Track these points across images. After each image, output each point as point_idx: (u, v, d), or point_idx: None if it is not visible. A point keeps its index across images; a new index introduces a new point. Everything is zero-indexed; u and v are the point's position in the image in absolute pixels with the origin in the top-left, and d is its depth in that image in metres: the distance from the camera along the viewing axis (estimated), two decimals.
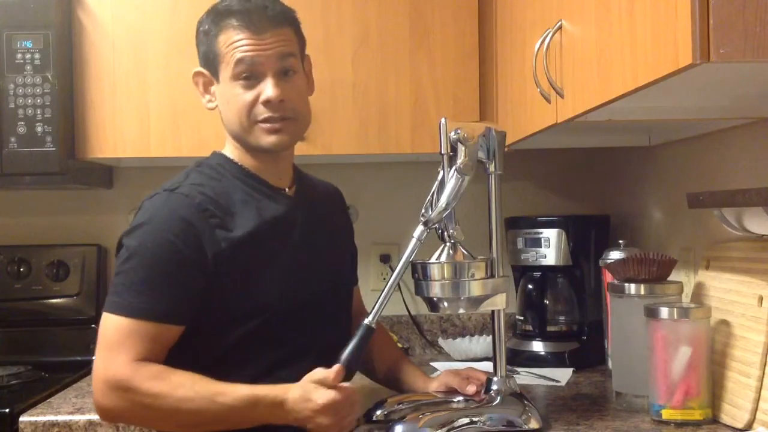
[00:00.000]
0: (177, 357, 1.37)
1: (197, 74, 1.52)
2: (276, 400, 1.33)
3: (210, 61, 1.48)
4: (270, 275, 1.43)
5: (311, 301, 1.48)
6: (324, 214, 1.61)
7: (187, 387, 1.32)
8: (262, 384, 1.35)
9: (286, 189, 1.54)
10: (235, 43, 1.43)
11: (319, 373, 1.34)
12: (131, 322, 1.34)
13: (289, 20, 1.50)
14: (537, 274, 2.15)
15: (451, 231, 1.48)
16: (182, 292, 1.37)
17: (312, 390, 1.33)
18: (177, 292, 1.36)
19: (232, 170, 1.50)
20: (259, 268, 1.43)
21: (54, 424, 1.68)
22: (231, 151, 1.52)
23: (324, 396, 1.32)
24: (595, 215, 2.26)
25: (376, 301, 1.44)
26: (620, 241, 1.94)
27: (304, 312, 1.46)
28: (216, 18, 1.47)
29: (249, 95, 1.44)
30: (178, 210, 1.39)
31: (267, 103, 1.44)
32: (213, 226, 1.40)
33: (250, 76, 1.44)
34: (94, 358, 1.39)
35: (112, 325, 1.35)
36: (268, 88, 1.44)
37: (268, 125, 1.45)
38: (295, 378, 1.37)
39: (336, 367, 1.34)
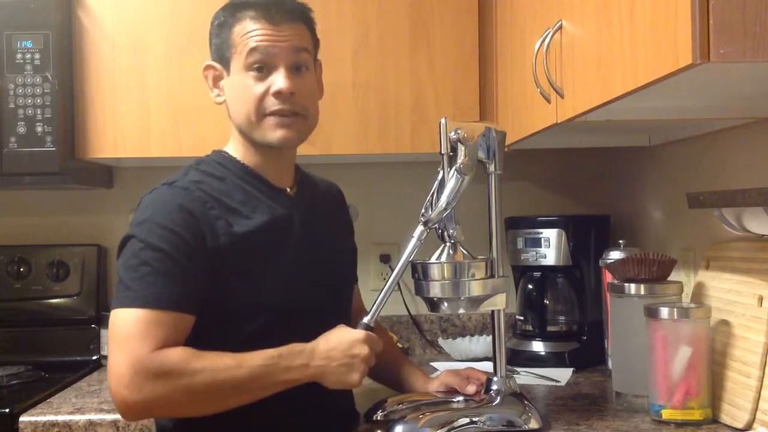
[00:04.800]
0: None
1: (207, 67, 1.52)
2: (296, 348, 1.36)
3: (222, 52, 1.48)
4: (269, 275, 1.43)
5: (312, 301, 1.48)
6: (325, 214, 1.61)
7: (220, 360, 1.32)
8: None
9: (288, 189, 1.54)
10: (251, 32, 1.43)
11: (355, 332, 1.40)
12: (147, 312, 1.31)
13: (306, 18, 1.50)
14: (537, 274, 2.15)
15: (451, 231, 1.48)
16: (191, 280, 1.36)
17: (354, 342, 1.38)
18: (187, 280, 1.35)
19: (234, 169, 1.49)
20: (259, 268, 1.42)
21: (54, 424, 1.68)
22: (234, 148, 1.52)
23: (365, 348, 1.38)
24: (595, 215, 2.26)
25: (375, 301, 1.45)
26: (620, 241, 1.95)
27: (304, 311, 1.46)
28: (233, 10, 1.47)
29: (260, 87, 1.44)
30: (177, 201, 1.39)
31: (278, 94, 1.43)
32: (213, 217, 1.39)
33: (262, 67, 1.44)
34: (108, 357, 1.33)
35: (127, 319, 1.32)
36: (279, 80, 1.43)
37: (277, 118, 1.45)
38: None
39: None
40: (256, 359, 1.34)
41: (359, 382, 1.40)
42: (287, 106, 1.45)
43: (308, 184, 1.62)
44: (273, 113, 1.45)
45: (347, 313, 1.61)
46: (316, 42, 1.54)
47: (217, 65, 1.50)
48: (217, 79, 1.51)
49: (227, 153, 1.52)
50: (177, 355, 1.30)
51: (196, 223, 1.38)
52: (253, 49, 1.43)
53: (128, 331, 1.31)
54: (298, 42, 1.46)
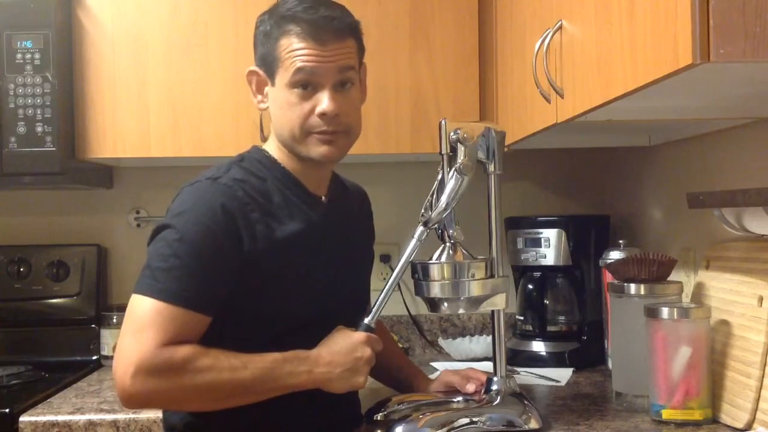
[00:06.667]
0: None
1: (252, 73, 1.50)
2: (301, 354, 1.37)
3: (268, 63, 1.46)
4: (300, 282, 1.43)
5: (339, 310, 1.48)
6: (354, 223, 1.62)
7: (226, 360, 1.32)
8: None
9: (323, 197, 1.53)
10: (297, 51, 1.41)
11: (356, 335, 1.41)
12: (167, 306, 1.30)
13: (353, 32, 1.49)
14: (537, 274, 2.15)
15: (451, 231, 1.48)
16: (218, 282, 1.35)
17: (356, 345, 1.39)
18: (213, 281, 1.35)
19: (274, 171, 1.48)
20: (290, 274, 1.42)
21: (54, 424, 1.68)
22: (275, 151, 1.51)
23: (367, 350, 1.40)
24: (595, 215, 2.26)
25: (376, 301, 1.45)
26: (620, 241, 1.95)
27: (328, 320, 1.45)
28: (279, 21, 1.44)
29: (305, 105, 1.43)
30: (221, 199, 1.37)
31: (322, 115, 1.43)
32: (254, 221, 1.39)
33: (307, 85, 1.43)
34: (119, 337, 1.32)
35: (146, 308, 1.31)
36: (324, 101, 1.42)
37: (321, 137, 1.45)
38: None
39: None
40: (260, 362, 1.34)
41: (364, 383, 1.41)
42: (331, 126, 1.44)
43: (341, 191, 1.61)
44: (317, 132, 1.44)
45: (360, 314, 1.60)
46: (362, 51, 1.53)
47: (262, 72, 1.48)
48: (260, 86, 1.49)
49: (268, 153, 1.51)
50: (184, 352, 1.29)
51: (235, 224, 1.37)
52: (299, 69, 1.41)
53: (144, 321, 1.30)
54: (343, 61, 1.45)
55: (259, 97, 1.51)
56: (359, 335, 1.40)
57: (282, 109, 1.45)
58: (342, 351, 1.38)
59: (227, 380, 1.32)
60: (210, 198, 1.38)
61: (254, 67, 1.50)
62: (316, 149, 1.45)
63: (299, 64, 1.41)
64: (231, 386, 1.32)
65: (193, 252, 1.33)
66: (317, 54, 1.42)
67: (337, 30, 1.44)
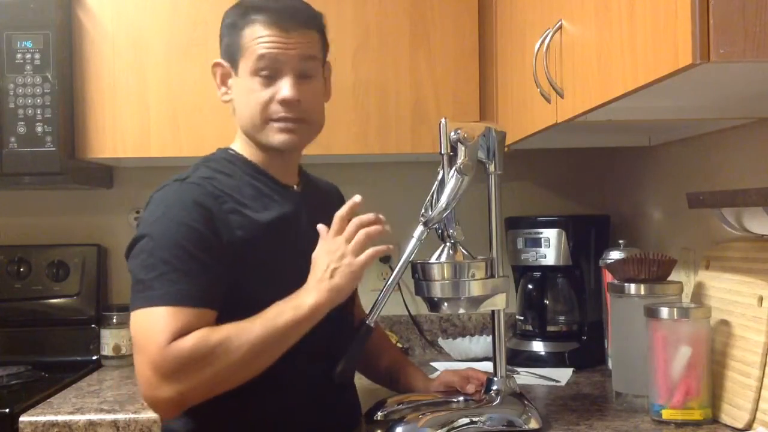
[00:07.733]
0: None
1: (216, 65, 1.52)
2: (297, 294, 1.35)
3: (231, 53, 1.48)
4: (279, 270, 1.42)
5: None
6: (328, 212, 1.61)
7: (235, 325, 1.30)
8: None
9: (294, 186, 1.54)
10: (260, 38, 1.43)
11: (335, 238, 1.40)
12: (170, 309, 1.28)
13: (317, 24, 1.50)
14: (537, 274, 2.15)
15: (451, 231, 1.49)
16: (211, 275, 1.34)
17: (329, 245, 1.39)
18: (207, 275, 1.33)
19: (242, 166, 1.49)
20: (271, 263, 1.42)
21: (54, 424, 1.68)
22: (240, 146, 1.52)
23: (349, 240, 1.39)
24: (595, 215, 2.27)
25: (375, 300, 1.44)
26: (620, 241, 1.95)
27: None
28: (244, 12, 1.46)
29: (266, 93, 1.45)
30: (192, 196, 1.38)
31: (283, 102, 1.44)
32: (227, 211, 1.39)
33: (269, 73, 1.44)
34: (135, 359, 1.31)
35: (149, 317, 1.29)
36: (285, 88, 1.44)
37: (281, 124, 1.46)
38: (304, 380, 1.38)
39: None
40: (263, 313, 1.32)
41: (366, 260, 1.38)
42: (292, 113, 1.45)
43: (312, 183, 1.63)
44: (277, 120, 1.46)
45: (348, 308, 1.60)
46: (325, 46, 1.54)
47: (226, 64, 1.50)
48: (225, 78, 1.51)
49: (234, 151, 1.52)
50: (192, 339, 1.27)
51: (211, 217, 1.37)
52: (261, 56, 1.43)
53: (147, 330, 1.29)
54: (306, 50, 1.47)
55: (223, 89, 1.52)
56: (324, 243, 1.40)
57: (244, 97, 1.47)
58: (323, 257, 1.38)
59: (245, 341, 1.29)
60: (181, 197, 1.38)
61: (219, 60, 1.52)
62: (276, 137, 1.46)
63: (262, 51, 1.43)
64: (251, 344, 1.29)
65: (180, 253, 1.32)
66: (280, 41, 1.44)
67: (301, 19, 1.47)
